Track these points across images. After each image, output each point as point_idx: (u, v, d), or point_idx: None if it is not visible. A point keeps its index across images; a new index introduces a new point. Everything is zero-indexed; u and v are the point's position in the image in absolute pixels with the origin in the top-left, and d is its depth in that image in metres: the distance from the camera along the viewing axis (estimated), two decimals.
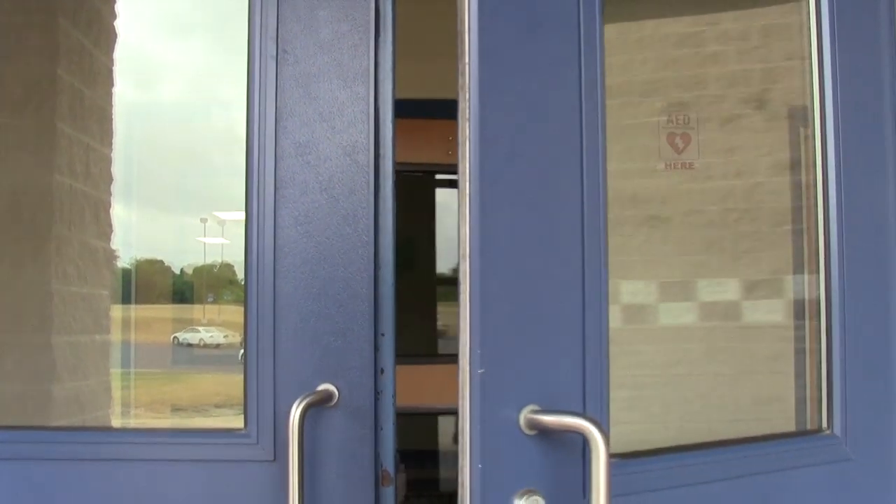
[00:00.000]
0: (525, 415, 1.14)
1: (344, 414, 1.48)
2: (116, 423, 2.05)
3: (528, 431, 1.14)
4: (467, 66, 1.16)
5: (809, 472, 1.50)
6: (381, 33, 1.53)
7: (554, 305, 1.22)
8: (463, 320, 1.18)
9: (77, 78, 2.05)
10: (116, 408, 2.02)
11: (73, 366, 1.94)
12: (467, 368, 1.15)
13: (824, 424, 1.55)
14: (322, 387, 1.47)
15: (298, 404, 1.39)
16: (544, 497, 1.12)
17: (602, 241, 1.28)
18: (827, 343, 1.57)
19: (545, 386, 1.18)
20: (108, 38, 2.13)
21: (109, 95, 2.12)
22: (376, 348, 1.49)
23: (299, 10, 1.52)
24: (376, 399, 1.49)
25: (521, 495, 1.12)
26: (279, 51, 1.51)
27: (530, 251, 1.21)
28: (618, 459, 1.24)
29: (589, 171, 1.27)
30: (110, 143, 2.11)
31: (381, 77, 1.53)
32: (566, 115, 1.26)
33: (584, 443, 1.15)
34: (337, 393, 1.48)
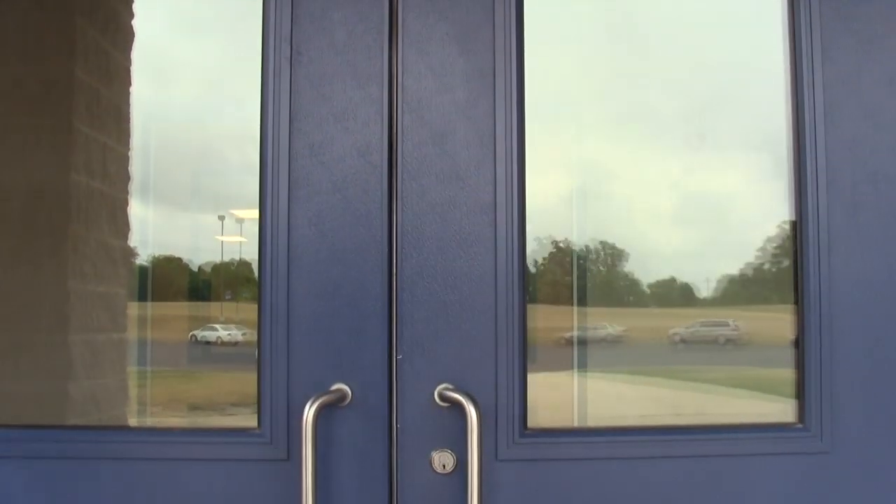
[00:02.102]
0: (438, 391, 1.49)
1: (357, 413, 1.48)
2: (133, 421, 2.06)
3: (441, 403, 1.49)
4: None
5: (777, 461, 1.55)
6: (395, 35, 1.53)
7: (467, 302, 1.51)
8: (391, 317, 1.50)
9: (94, 77, 2.05)
10: (133, 406, 2.03)
11: (89, 364, 1.95)
12: (393, 354, 1.50)
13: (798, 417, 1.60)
14: (335, 386, 1.48)
15: (312, 404, 1.39)
16: (454, 454, 1.47)
17: (516, 234, 1.52)
18: (802, 337, 1.57)
19: (462, 369, 1.50)
20: (125, 37, 2.14)
21: (127, 94, 2.13)
22: (390, 348, 1.50)
23: (313, 12, 1.52)
24: (389, 399, 1.49)
25: (437, 451, 1.48)
26: (293, 52, 1.51)
27: (447, 247, 1.51)
28: (535, 432, 1.53)
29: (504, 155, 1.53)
30: (128, 142, 2.11)
31: (395, 78, 1.53)
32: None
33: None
34: (350, 392, 1.48)
